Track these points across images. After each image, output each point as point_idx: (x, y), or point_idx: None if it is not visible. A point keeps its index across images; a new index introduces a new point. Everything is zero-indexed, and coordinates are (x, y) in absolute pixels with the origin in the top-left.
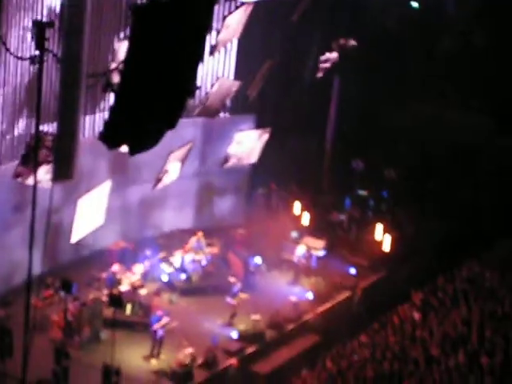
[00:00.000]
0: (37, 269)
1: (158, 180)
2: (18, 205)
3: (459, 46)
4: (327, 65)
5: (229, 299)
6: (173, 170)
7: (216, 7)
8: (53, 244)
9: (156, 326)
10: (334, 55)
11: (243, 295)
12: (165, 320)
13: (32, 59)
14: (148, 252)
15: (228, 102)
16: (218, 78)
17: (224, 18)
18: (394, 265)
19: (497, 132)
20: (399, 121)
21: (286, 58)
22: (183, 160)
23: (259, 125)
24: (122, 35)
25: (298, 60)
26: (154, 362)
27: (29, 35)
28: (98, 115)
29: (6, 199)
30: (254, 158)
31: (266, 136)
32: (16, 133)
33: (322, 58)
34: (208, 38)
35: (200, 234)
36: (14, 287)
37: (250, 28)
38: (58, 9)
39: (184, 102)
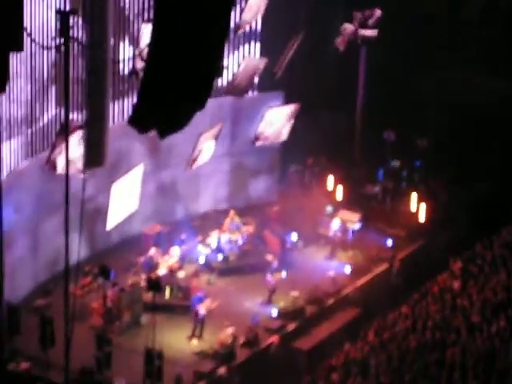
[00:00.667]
0: (74, 257)
1: (193, 160)
2: (54, 194)
3: (486, 11)
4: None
5: (269, 277)
6: (207, 149)
7: None
8: (90, 231)
9: (198, 307)
10: (352, 27)
11: (280, 274)
12: (207, 301)
13: (57, 48)
14: (184, 234)
15: (256, 80)
16: (244, 57)
17: None
18: (430, 234)
19: None
20: (428, 89)
21: (311, 33)
22: (216, 139)
23: (288, 101)
24: (146, 18)
25: (323, 33)
26: (195, 343)
27: (53, 24)
28: (126, 100)
29: (42, 189)
30: (284, 135)
31: (295, 112)
32: (46, 122)
33: (345, 29)
34: (232, 16)
35: (232, 212)
36: (55, 276)
37: (274, 4)
38: None
39: (212, 82)
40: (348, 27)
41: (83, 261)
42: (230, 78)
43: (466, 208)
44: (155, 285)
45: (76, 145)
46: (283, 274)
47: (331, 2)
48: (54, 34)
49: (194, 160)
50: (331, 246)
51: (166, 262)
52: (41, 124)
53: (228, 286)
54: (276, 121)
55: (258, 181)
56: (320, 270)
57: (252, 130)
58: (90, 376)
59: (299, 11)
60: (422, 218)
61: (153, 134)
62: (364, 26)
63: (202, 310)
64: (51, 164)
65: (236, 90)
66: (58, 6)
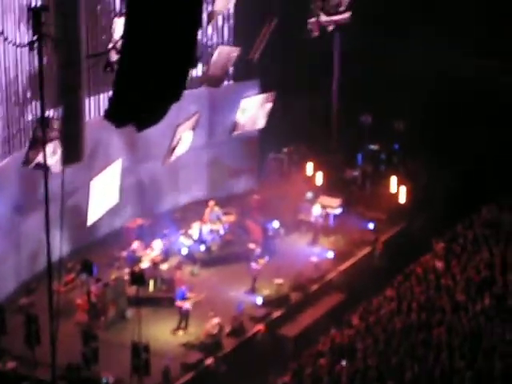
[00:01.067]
0: (56, 254)
1: (171, 152)
2: (32, 191)
3: None
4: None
5: (253, 264)
6: (185, 139)
7: None
8: (71, 227)
9: (181, 302)
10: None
11: (263, 260)
12: (192, 295)
13: (30, 45)
14: (165, 227)
15: (230, 69)
16: (217, 46)
17: None
18: (411, 216)
19: (499, 72)
20: (403, 71)
21: (284, 18)
22: (193, 129)
23: (264, 89)
24: (118, 11)
25: (296, 18)
26: (181, 334)
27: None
28: (102, 95)
29: (21, 186)
30: (261, 123)
31: (271, 100)
32: (23, 121)
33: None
34: (204, 5)
35: (212, 203)
36: (38, 274)
37: None
38: None
39: (187, 73)
40: (319, 15)
41: (66, 257)
42: (205, 68)
43: (446, 188)
44: (139, 278)
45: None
46: (266, 258)
47: None
48: (26, 31)
49: (172, 151)
50: (313, 232)
51: (149, 255)
52: (17, 122)
53: (212, 277)
54: (252, 109)
55: (237, 170)
56: (303, 256)
57: (229, 120)
58: (77, 372)
59: None
60: (402, 201)
61: (130, 127)
62: (335, 12)
63: (186, 304)
64: (28, 161)
65: (211, 80)
66: (28, 2)
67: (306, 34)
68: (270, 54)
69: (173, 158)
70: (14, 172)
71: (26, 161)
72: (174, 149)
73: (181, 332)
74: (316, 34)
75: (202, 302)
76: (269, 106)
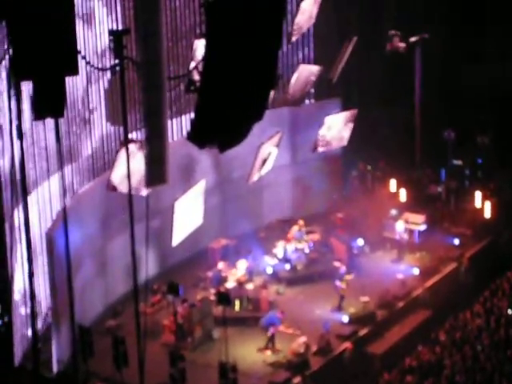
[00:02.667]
0: (143, 275)
1: (257, 169)
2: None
3: None
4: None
5: (337, 282)
6: (271, 157)
7: None
8: (156, 248)
9: (271, 327)
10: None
11: (349, 277)
12: (282, 327)
13: (113, 69)
14: (250, 246)
15: (311, 88)
16: (298, 65)
17: (298, 3)
18: (497, 231)
19: None
20: (484, 85)
21: (364, 36)
22: (277, 147)
23: (345, 107)
24: (198, 32)
25: (375, 37)
26: (269, 354)
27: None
28: (184, 116)
29: (106, 209)
30: (344, 140)
31: (353, 117)
32: (104, 143)
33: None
34: (284, 25)
35: (301, 222)
36: (124, 296)
37: (325, 10)
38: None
39: (268, 93)
40: (395, 37)
41: (152, 278)
42: (286, 87)
43: None
44: (225, 298)
45: (137, 163)
46: (351, 277)
47: (381, 5)
48: (107, 55)
49: (257, 170)
50: (398, 249)
51: (234, 274)
52: (99, 145)
53: (297, 295)
54: (335, 127)
55: (321, 188)
56: (388, 273)
57: (311, 139)
58: None
59: (350, 15)
60: (487, 216)
61: (213, 148)
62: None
63: (273, 330)
64: (112, 184)
65: (292, 99)
66: (110, 26)
67: (387, 48)
68: (351, 72)
69: (257, 177)
70: (99, 195)
71: (110, 184)
72: (257, 170)
73: (268, 351)
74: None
75: (287, 330)
76: (351, 123)
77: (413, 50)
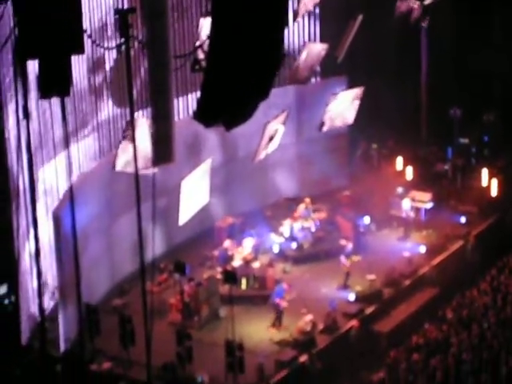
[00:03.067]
0: (149, 254)
1: (261, 149)
2: (123, 193)
3: None
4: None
5: (343, 259)
6: (278, 135)
7: None
8: (163, 227)
9: (279, 300)
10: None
11: (356, 257)
12: (290, 294)
13: (118, 48)
14: (256, 225)
15: (318, 67)
16: (305, 44)
17: None
18: (504, 209)
19: None
20: (490, 63)
21: (370, 13)
22: (284, 125)
23: (351, 85)
24: (204, 11)
25: (383, 13)
26: (275, 332)
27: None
28: (190, 95)
29: (113, 188)
30: (350, 119)
31: (359, 95)
32: (110, 122)
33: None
34: (290, 3)
35: (308, 200)
36: (131, 275)
37: None
38: None
39: (274, 71)
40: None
41: (158, 257)
42: (293, 65)
43: None
44: (231, 277)
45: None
46: (357, 257)
47: None
48: (112, 34)
49: (263, 149)
50: (404, 227)
51: (241, 253)
52: (105, 125)
53: (304, 274)
54: (341, 105)
55: (327, 166)
56: (395, 251)
57: (317, 117)
58: (172, 372)
59: None
60: (493, 194)
61: (219, 127)
62: None
63: (283, 302)
64: (119, 162)
65: (299, 77)
66: (115, 5)
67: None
68: (357, 50)
69: (263, 155)
70: (105, 174)
71: (116, 163)
72: (267, 144)
73: (275, 330)
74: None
75: (293, 299)
76: (357, 101)
77: (419, 27)
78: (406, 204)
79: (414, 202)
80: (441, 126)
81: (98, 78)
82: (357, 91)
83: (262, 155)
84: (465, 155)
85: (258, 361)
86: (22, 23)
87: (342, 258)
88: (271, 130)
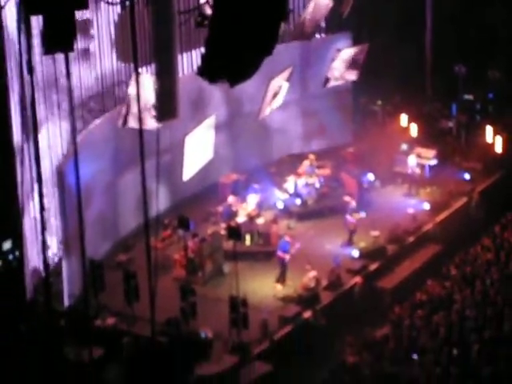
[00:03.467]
0: (153, 210)
1: (267, 104)
2: (128, 148)
3: None
4: None
5: (348, 217)
6: (282, 91)
7: None
8: (167, 183)
9: (284, 254)
10: None
11: (359, 215)
12: (294, 247)
13: (123, 3)
14: (260, 181)
15: (323, 22)
16: None
17: None
18: (508, 165)
19: None
20: (496, 18)
21: None
22: (288, 81)
23: (356, 41)
24: None
25: None
26: (280, 287)
27: None
28: (194, 51)
29: (117, 143)
30: (354, 75)
31: (364, 52)
32: (114, 79)
33: None
34: None
35: (312, 156)
36: (135, 231)
37: None
38: None
39: (278, 27)
40: None
41: (162, 213)
42: (297, 21)
43: None
44: (235, 233)
45: (147, 97)
46: (362, 214)
47: None
48: None
49: (267, 105)
50: (408, 184)
51: (245, 209)
52: (109, 80)
53: (308, 230)
54: (345, 61)
55: (331, 122)
56: (399, 208)
57: (322, 73)
58: (176, 327)
59: None
60: (498, 150)
61: (223, 83)
62: None
63: (287, 256)
64: (123, 118)
65: (303, 33)
66: None
67: None
68: (362, 6)
69: (268, 111)
70: (110, 130)
71: (122, 119)
72: (271, 101)
73: (279, 285)
74: None
75: (297, 253)
76: (362, 57)
77: None
78: (411, 161)
79: (419, 159)
80: (445, 83)
81: (103, 33)
82: (361, 47)
83: (266, 112)
84: (469, 112)
85: (261, 317)
86: None
87: (349, 217)
88: (275, 86)
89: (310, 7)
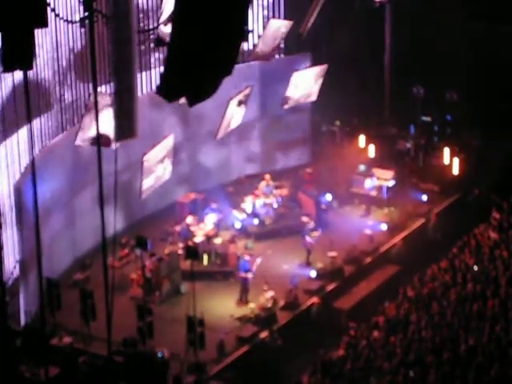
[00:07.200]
0: (111, 229)
1: (224, 126)
2: (87, 167)
3: None
4: None
5: (308, 238)
6: (238, 113)
7: None
8: (125, 202)
9: (245, 274)
10: None
11: (316, 233)
12: (256, 262)
13: (82, 21)
14: (218, 201)
15: (281, 43)
16: (268, 20)
17: None
18: (465, 187)
19: None
20: (453, 43)
21: None
22: (245, 103)
23: (315, 62)
24: None
25: None
26: (243, 307)
27: None
28: (153, 70)
29: (75, 163)
30: (313, 96)
31: (323, 73)
32: (74, 97)
33: None
34: None
35: (268, 177)
36: (92, 250)
37: None
38: None
39: (238, 47)
40: None
41: (120, 232)
42: (256, 41)
43: (500, 160)
44: (193, 252)
45: (106, 117)
46: (319, 232)
47: None
48: (77, 8)
49: (225, 126)
50: (366, 205)
51: (203, 229)
52: (69, 99)
53: (265, 250)
54: (304, 82)
55: (289, 143)
56: (356, 228)
57: (281, 94)
58: (132, 347)
59: None
60: (455, 172)
61: (182, 102)
62: None
63: (250, 275)
64: (80, 137)
65: (262, 53)
66: None
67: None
68: (321, 28)
69: (225, 132)
70: (67, 148)
71: (78, 138)
72: (226, 125)
73: (243, 304)
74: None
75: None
76: (321, 78)
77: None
78: (369, 182)
79: (376, 180)
80: (404, 104)
81: (63, 52)
82: (321, 68)
83: (224, 131)
84: (427, 133)
85: (218, 337)
86: None
87: (307, 238)
88: (234, 106)
89: (268, 28)
